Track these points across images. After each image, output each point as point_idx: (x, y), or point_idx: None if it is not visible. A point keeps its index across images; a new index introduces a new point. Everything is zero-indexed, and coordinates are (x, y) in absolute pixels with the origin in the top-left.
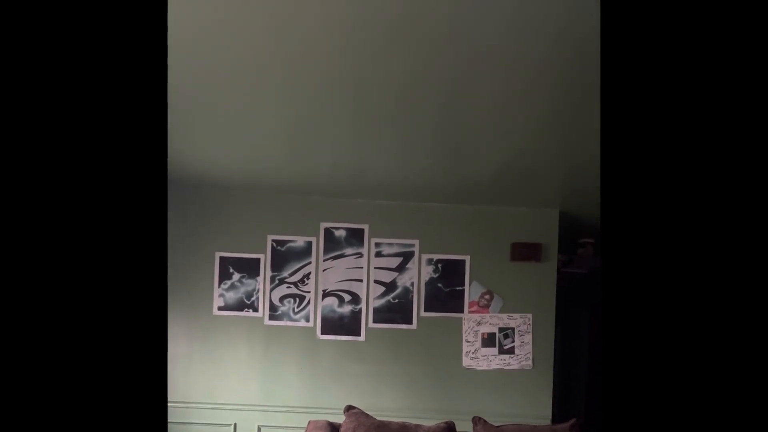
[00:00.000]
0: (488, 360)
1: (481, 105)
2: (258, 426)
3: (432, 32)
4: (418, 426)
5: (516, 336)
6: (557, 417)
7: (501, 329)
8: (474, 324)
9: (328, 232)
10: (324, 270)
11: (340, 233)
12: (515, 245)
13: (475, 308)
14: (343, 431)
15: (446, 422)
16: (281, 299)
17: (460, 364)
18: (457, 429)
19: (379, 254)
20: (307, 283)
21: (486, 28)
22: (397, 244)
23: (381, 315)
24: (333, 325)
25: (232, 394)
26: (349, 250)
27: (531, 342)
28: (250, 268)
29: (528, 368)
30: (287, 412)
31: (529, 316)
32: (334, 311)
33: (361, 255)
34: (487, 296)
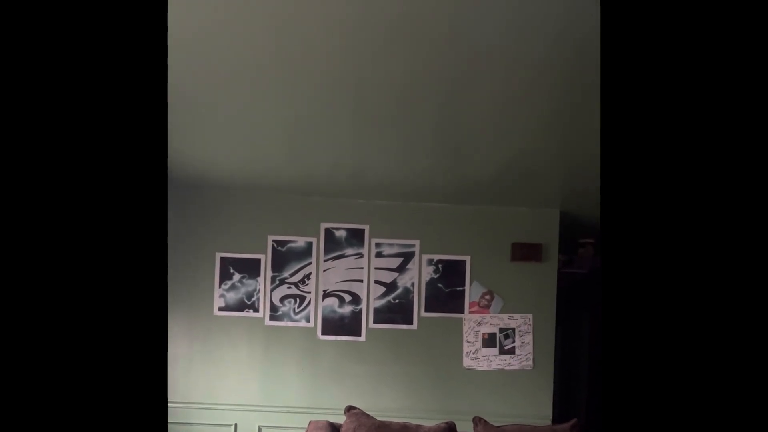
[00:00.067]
0: (489, 360)
1: (481, 105)
2: (258, 426)
3: (432, 32)
4: (418, 426)
5: (516, 336)
6: (558, 417)
7: (501, 329)
8: (474, 324)
9: (329, 233)
10: (324, 270)
11: (341, 233)
12: (515, 245)
13: (475, 308)
14: (343, 431)
15: (447, 422)
16: (282, 299)
17: (460, 365)
18: (458, 429)
19: (379, 254)
20: (307, 284)
21: (486, 28)
22: (398, 244)
23: (381, 315)
24: (333, 325)
25: (232, 394)
26: (349, 251)
27: (531, 342)
28: (251, 269)
29: (528, 368)
30: (288, 412)
31: (530, 316)
32: (334, 311)
33: (361, 255)
34: (487, 296)
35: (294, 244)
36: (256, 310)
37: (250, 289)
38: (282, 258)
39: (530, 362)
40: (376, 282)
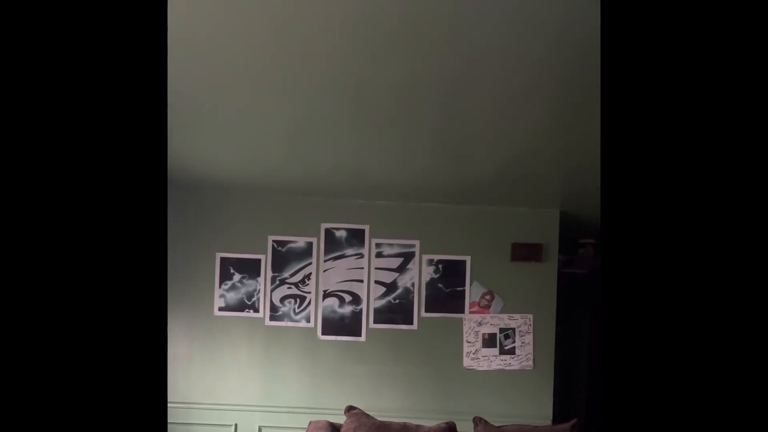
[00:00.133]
0: (489, 360)
1: (482, 105)
2: (259, 426)
3: (432, 32)
4: (418, 426)
5: (517, 336)
6: (558, 417)
7: (502, 330)
8: (475, 324)
9: (329, 233)
10: (325, 270)
11: (341, 234)
12: (516, 245)
13: (475, 309)
14: (343, 431)
15: (447, 423)
16: (282, 300)
17: (460, 365)
18: (458, 429)
19: (379, 255)
20: (307, 284)
21: (486, 29)
22: (398, 244)
23: (382, 315)
24: (334, 325)
25: (232, 394)
26: (349, 251)
27: (531, 342)
28: (251, 269)
29: (529, 369)
30: (288, 412)
31: (530, 316)
32: (334, 312)
33: (361, 255)
34: (487, 297)
35: (294, 244)
36: (257, 311)
37: (251, 289)
38: (282, 258)
39: (530, 362)
40: (377, 282)
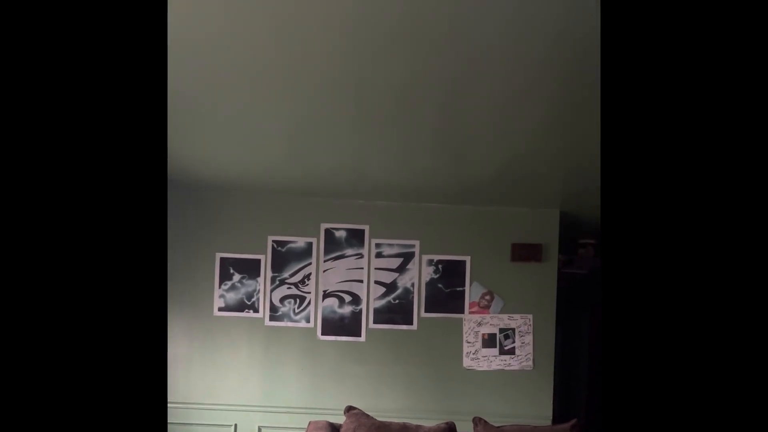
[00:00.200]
0: (489, 360)
1: (482, 105)
2: (258, 427)
3: (432, 32)
4: (418, 427)
5: (516, 337)
6: (558, 417)
7: (501, 330)
8: (474, 325)
9: (329, 233)
10: (324, 271)
11: (341, 234)
12: (515, 246)
13: (475, 309)
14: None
15: (447, 423)
16: (282, 300)
17: (460, 365)
18: (458, 430)
19: (379, 255)
20: (307, 284)
21: (486, 29)
22: (398, 244)
23: (381, 316)
24: (333, 325)
25: (232, 394)
26: (349, 251)
27: (531, 342)
28: (251, 269)
29: (528, 369)
30: (288, 412)
31: (530, 316)
32: (334, 312)
33: (361, 256)
34: (487, 297)
35: (294, 244)
36: (256, 311)
37: (250, 289)
38: (282, 258)
39: (530, 362)
40: (376, 282)
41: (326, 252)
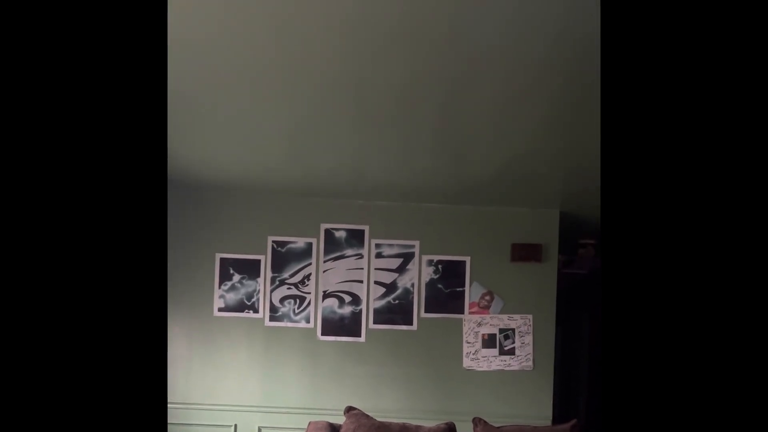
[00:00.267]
0: (489, 361)
1: (482, 105)
2: (258, 427)
3: (432, 32)
4: (418, 427)
5: (516, 337)
6: (558, 418)
7: (501, 330)
8: (474, 325)
9: (329, 233)
10: (324, 271)
11: (341, 234)
12: (515, 246)
13: (475, 309)
14: None
15: (447, 423)
16: (282, 300)
17: (460, 365)
18: (458, 430)
19: (379, 255)
20: (307, 284)
21: (486, 29)
22: (398, 245)
23: (381, 316)
24: (333, 326)
25: (232, 395)
26: (349, 251)
27: (531, 343)
28: (251, 269)
29: (528, 369)
30: (288, 413)
31: (530, 317)
32: (334, 312)
33: (361, 256)
34: (487, 297)
35: (294, 244)
36: (256, 311)
37: (250, 289)
38: (282, 259)
39: (530, 363)
40: (376, 283)
41: (326, 252)
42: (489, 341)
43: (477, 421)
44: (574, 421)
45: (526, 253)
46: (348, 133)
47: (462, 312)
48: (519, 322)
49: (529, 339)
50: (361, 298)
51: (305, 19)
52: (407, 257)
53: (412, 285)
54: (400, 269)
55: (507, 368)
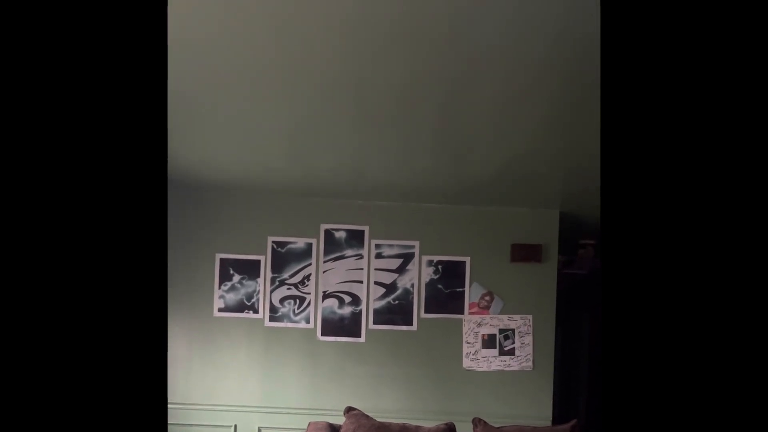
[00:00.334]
0: (488, 361)
1: (482, 105)
2: (258, 427)
3: (432, 32)
4: (418, 427)
5: (516, 337)
6: (557, 418)
7: (501, 330)
8: (474, 325)
9: (329, 234)
10: (324, 271)
11: (341, 234)
12: (515, 246)
13: (475, 309)
14: None
15: (446, 424)
16: (281, 301)
17: (460, 366)
18: (458, 430)
19: (379, 255)
20: (307, 285)
21: (486, 29)
22: (398, 245)
23: (381, 316)
24: (333, 326)
25: (232, 395)
26: (349, 252)
27: (531, 343)
28: (251, 270)
29: (528, 369)
30: (287, 413)
31: (530, 317)
32: (334, 312)
33: (361, 256)
34: (487, 297)
35: (294, 245)
36: (256, 311)
37: (250, 290)
38: (282, 259)
39: (530, 363)
40: (376, 283)
41: (326, 253)
42: (489, 341)
43: (477, 422)
44: (574, 422)
45: (526, 253)
46: (348, 133)
47: (462, 312)
48: (519, 322)
49: (529, 339)
50: (361, 298)
51: (305, 19)
52: (407, 257)
53: (412, 285)
54: (400, 269)
55: (507, 368)
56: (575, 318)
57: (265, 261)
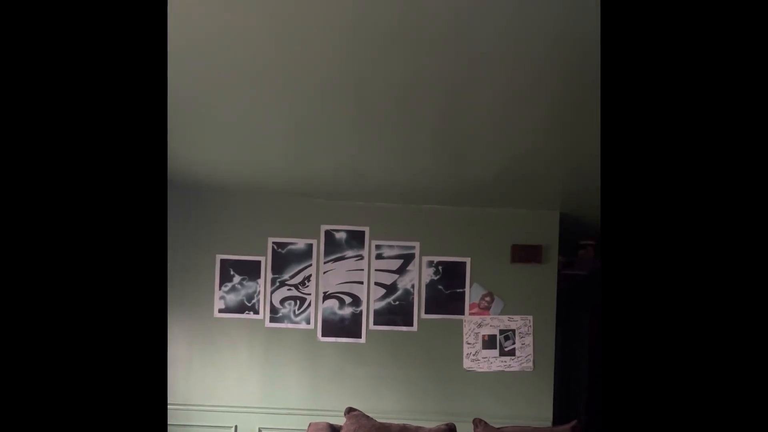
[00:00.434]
0: (489, 362)
1: (482, 106)
2: (259, 428)
3: (432, 34)
4: (418, 428)
5: (517, 338)
6: (558, 419)
7: (502, 331)
8: (475, 326)
9: (329, 235)
10: (324, 272)
11: (341, 235)
12: (516, 247)
13: (475, 310)
14: None
15: (447, 424)
16: (282, 301)
17: (460, 366)
18: (458, 431)
19: (379, 256)
20: (307, 286)
21: (486, 29)
22: (398, 246)
23: (381, 317)
24: (334, 327)
25: (232, 396)
26: (349, 253)
27: (531, 344)
28: (251, 271)
29: (529, 370)
30: (288, 414)
31: (530, 317)
32: (334, 313)
33: (361, 257)
34: (487, 298)
35: (294, 246)
36: (257, 312)
37: (251, 291)
38: (282, 260)
39: (530, 364)
40: (376, 284)
41: (326, 253)
42: (489, 342)
43: (477, 422)
44: (574, 422)
45: (526, 254)
46: (348, 134)
47: (462, 313)
48: (519, 323)
49: (529, 340)
50: (362, 299)
51: (305, 20)
52: (407, 258)
53: (413, 286)
54: (401, 270)
55: (507, 369)
56: (575, 319)
57: (266, 262)
